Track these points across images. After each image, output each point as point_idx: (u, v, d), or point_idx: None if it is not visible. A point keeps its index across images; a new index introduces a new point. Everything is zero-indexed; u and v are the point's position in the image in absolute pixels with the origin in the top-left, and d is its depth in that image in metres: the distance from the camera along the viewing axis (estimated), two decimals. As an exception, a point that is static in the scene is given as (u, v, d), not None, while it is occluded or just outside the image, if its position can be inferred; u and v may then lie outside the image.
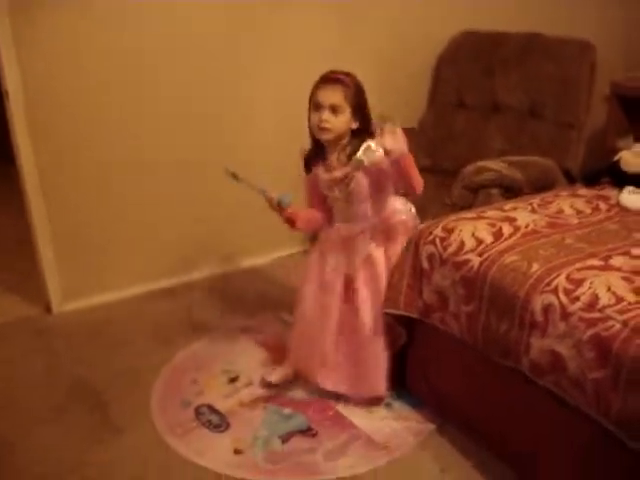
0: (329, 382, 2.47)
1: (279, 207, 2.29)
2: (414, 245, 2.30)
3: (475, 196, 2.86)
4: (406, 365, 2.47)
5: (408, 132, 3.13)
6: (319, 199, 2.46)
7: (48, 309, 3.25)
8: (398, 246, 2.38)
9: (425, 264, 2.25)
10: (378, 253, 2.39)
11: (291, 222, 2.32)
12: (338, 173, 2.30)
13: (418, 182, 2.24)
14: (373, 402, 2.45)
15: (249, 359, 2.79)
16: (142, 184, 3.29)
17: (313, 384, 2.52)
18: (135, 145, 3.21)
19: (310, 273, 2.51)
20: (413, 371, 2.46)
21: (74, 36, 2.95)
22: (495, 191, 2.83)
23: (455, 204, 2.89)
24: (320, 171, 2.36)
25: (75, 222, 3.19)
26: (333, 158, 2.32)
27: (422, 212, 2.63)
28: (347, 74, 2.24)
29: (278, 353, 2.75)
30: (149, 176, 3.29)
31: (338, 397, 2.48)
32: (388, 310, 2.33)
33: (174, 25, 3.14)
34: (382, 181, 2.31)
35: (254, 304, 3.25)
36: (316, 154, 2.35)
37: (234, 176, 2.26)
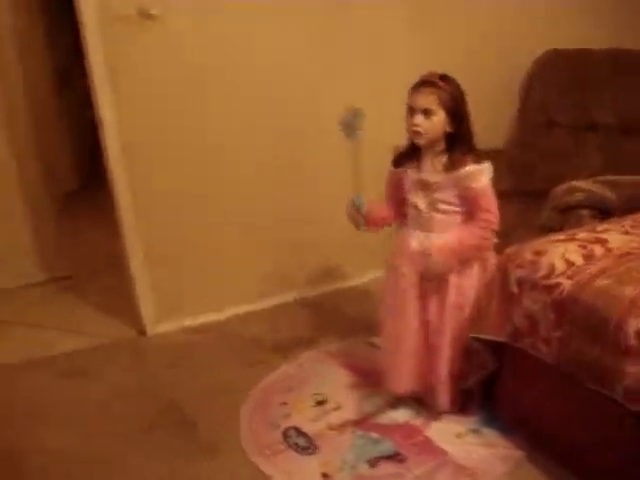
0: (401, 385, 2.46)
1: (354, 207, 2.32)
2: (503, 268, 2.26)
3: (565, 218, 2.79)
4: (495, 391, 2.43)
5: (494, 154, 3.13)
6: (396, 199, 2.44)
7: (141, 331, 3.37)
8: (473, 272, 2.34)
9: (514, 288, 2.21)
10: (453, 278, 2.33)
11: (366, 223, 2.35)
12: (429, 177, 2.29)
13: (492, 220, 2.25)
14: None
15: (338, 382, 2.79)
16: (236, 205, 3.36)
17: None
18: (229, 166, 3.30)
19: (386, 288, 2.49)
20: (502, 397, 2.41)
21: (163, 59, 3.08)
22: (586, 212, 2.76)
23: (544, 226, 2.83)
24: (410, 170, 2.35)
25: (169, 244, 3.29)
26: (427, 161, 2.31)
27: (507, 236, 2.59)
28: (443, 76, 2.23)
29: (368, 377, 2.74)
30: (243, 196, 3.37)
31: (426, 422, 2.46)
32: (475, 335, 2.30)
33: (258, 44, 3.23)
34: (467, 201, 2.29)
35: (346, 326, 3.25)
36: (410, 154, 2.35)
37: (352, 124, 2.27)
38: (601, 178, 2.94)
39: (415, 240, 2.35)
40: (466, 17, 3.58)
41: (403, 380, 2.44)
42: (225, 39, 3.16)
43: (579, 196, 2.78)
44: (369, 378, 2.72)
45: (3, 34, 3.83)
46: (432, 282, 2.34)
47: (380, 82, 3.42)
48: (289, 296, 3.57)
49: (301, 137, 3.40)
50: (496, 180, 3.46)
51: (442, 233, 2.31)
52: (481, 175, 2.24)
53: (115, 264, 3.49)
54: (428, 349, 2.39)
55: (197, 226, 3.33)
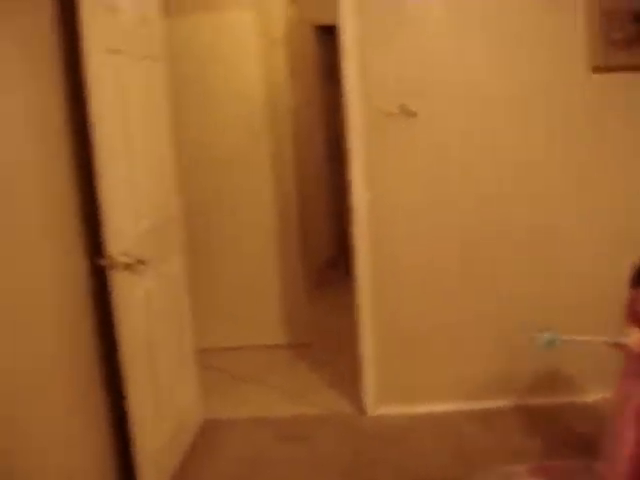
0: None
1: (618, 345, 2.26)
2: None
3: None
4: None
5: None
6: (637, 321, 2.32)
7: (362, 409, 3.49)
8: None
9: None
10: None
11: None
12: None
13: None
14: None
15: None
16: (466, 298, 3.41)
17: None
18: (477, 264, 3.40)
19: (613, 412, 2.34)
20: None
21: (415, 150, 3.30)
22: None
23: None
24: None
25: (402, 329, 3.43)
26: None
27: None
28: None
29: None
30: (489, 292, 3.41)
31: None
32: None
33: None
34: None
35: (564, 442, 3.09)
36: None
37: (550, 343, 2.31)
38: None
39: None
40: None
41: None
42: (473, 136, 3.29)
43: None
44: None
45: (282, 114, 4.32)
46: None
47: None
48: (508, 400, 3.46)
49: (554, 232, 3.37)
50: None
51: None
52: None
53: (354, 339, 3.67)
54: None
55: (428, 316, 3.42)
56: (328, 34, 5.15)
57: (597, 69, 3.20)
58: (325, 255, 6.11)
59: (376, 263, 3.37)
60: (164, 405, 2.94)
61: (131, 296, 2.64)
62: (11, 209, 2.12)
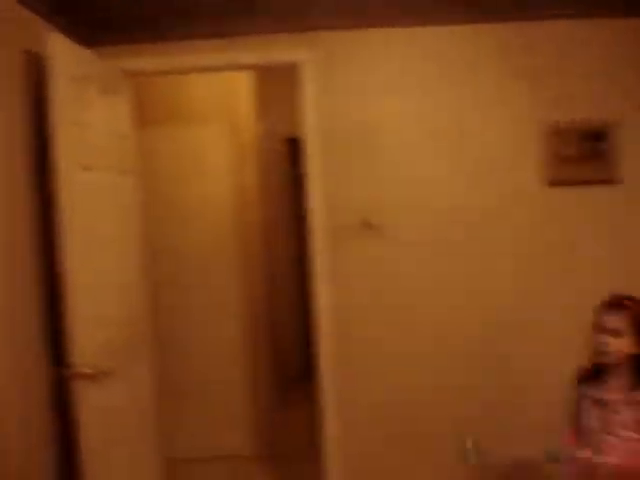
0: None
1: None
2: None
3: None
4: None
5: None
6: (577, 422, 2.36)
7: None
8: None
9: None
10: None
11: None
12: (609, 396, 2.26)
13: None
14: None
15: None
16: (434, 425, 3.41)
17: None
18: (424, 370, 3.41)
19: None
20: None
21: (376, 261, 3.38)
22: None
23: None
24: (591, 389, 2.32)
25: (366, 443, 3.40)
26: (610, 380, 2.28)
27: None
28: (633, 299, 2.28)
29: None
30: (437, 406, 3.41)
31: None
32: None
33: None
34: None
35: None
36: (594, 375, 2.34)
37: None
38: None
39: (585, 456, 2.27)
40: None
41: None
42: (433, 248, 3.40)
43: None
44: None
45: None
46: None
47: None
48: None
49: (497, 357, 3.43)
50: None
51: (614, 458, 2.21)
52: None
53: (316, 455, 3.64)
54: None
55: (400, 435, 3.41)
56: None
57: (552, 183, 3.38)
58: (294, 366, 6.09)
59: (342, 376, 3.39)
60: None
61: (92, 406, 2.63)
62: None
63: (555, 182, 3.37)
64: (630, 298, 2.29)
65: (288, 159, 5.92)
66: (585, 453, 2.29)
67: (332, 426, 3.39)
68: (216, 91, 4.26)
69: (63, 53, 2.62)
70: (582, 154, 3.37)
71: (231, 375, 4.33)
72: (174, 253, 4.26)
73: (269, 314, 4.60)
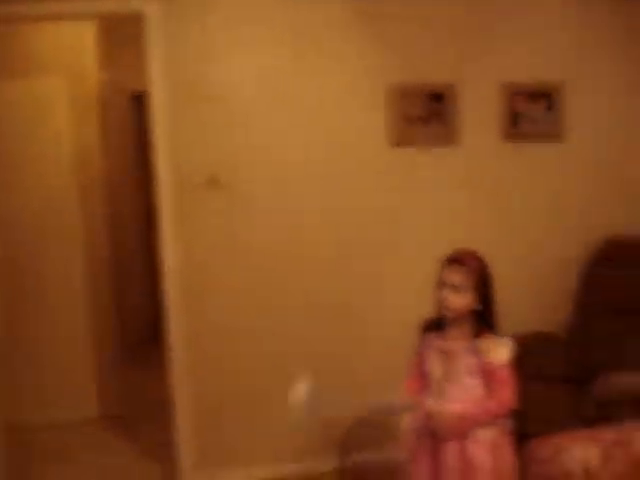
0: None
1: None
2: (524, 459, 2.22)
3: (604, 411, 2.72)
4: None
5: (548, 335, 3.09)
6: (421, 370, 2.43)
7: (176, 477, 3.42)
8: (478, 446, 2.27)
9: (532, 483, 2.16)
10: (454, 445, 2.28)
11: None
12: (450, 345, 2.32)
13: (505, 399, 2.22)
14: None
15: None
16: (278, 362, 3.44)
17: None
18: (274, 321, 3.44)
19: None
20: None
21: (227, 217, 3.36)
22: (626, 407, 2.68)
23: (583, 417, 2.76)
24: (434, 338, 2.38)
25: (215, 396, 3.40)
26: (451, 332, 2.34)
27: (550, 422, 2.56)
28: (473, 256, 2.33)
29: None
30: (285, 355, 3.45)
31: None
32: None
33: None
34: (486, 376, 2.28)
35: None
36: (436, 326, 2.39)
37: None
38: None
39: (428, 406, 2.33)
40: (523, 194, 3.68)
41: None
42: (280, 205, 3.42)
43: (620, 389, 2.72)
44: None
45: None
46: (440, 451, 2.30)
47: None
48: (330, 460, 3.52)
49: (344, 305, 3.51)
50: (547, 362, 3.47)
51: (456, 403, 2.28)
52: (501, 350, 2.25)
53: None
54: None
55: (249, 383, 3.43)
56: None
57: (397, 143, 3.48)
58: (143, 325, 5.99)
59: (190, 332, 3.36)
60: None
61: None
62: None
63: (401, 143, 3.47)
64: (471, 254, 2.33)
65: (134, 114, 5.74)
66: (428, 401, 2.34)
67: (182, 384, 3.36)
68: (58, 43, 4.07)
69: None
70: (426, 115, 3.51)
71: (75, 335, 4.23)
72: (11, 214, 4.07)
73: (116, 273, 4.46)
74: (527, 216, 3.69)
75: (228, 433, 3.44)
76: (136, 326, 5.82)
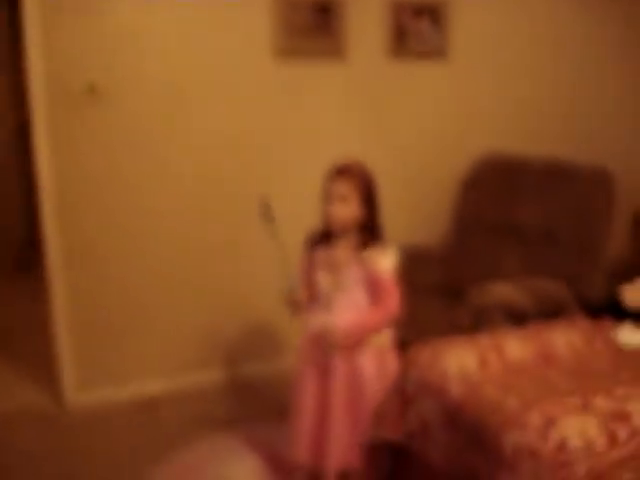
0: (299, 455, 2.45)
1: (291, 293, 2.38)
2: (404, 366, 2.30)
3: (478, 319, 2.86)
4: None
5: (426, 249, 3.15)
6: (309, 281, 2.46)
7: (59, 398, 3.34)
8: (365, 358, 2.36)
9: (411, 388, 2.24)
10: (341, 360, 2.35)
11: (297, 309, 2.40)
12: (336, 256, 2.36)
13: (391, 307, 2.30)
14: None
15: (246, 466, 2.76)
16: (162, 278, 3.41)
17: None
18: (157, 238, 3.38)
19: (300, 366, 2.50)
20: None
21: (105, 131, 3.20)
22: (499, 315, 2.82)
23: (457, 325, 2.89)
24: (320, 250, 2.41)
25: (95, 313, 3.32)
26: (337, 243, 2.37)
27: (428, 331, 2.66)
28: (359, 167, 2.35)
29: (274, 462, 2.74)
30: (169, 270, 3.42)
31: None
32: (373, 434, 2.31)
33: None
34: (371, 285, 2.34)
35: (265, 409, 3.23)
36: (323, 238, 2.41)
37: (267, 214, 2.39)
38: (520, 282, 3.03)
39: (317, 319, 2.39)
40: (410, 114, 3.72)
41: (301, 451, 2.44)
42: (167, 121, 3.31)
43: (494, 299, 2.86)
44: (275, 463, 2.72)
45: None
46: (329, 362, 2.35)
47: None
48: (212, 374, 3.55)
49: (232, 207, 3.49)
50: (425, 275, 3.61)
51: (344, 313, 2.34)
52: (384, 259, 2.31)
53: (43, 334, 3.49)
54: (324, 431, 2.38)
55: (123, 296, 3.37)
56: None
57: (280, 53, 3.39)
58: (20, 239, 5.71)
59: (69, 247, 3.23)
60: None
61: None
62: None
63: (285, 52, 3.39)
64: (356, 165, 2.34)
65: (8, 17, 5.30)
66: (316, 318, 2.39)
67: (61, 303, 3.25)
68: None
69: None
70: (312, 26, 3.43)
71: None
72: None
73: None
74: (413, 134, 3.75)
75: (113, 351, 3.39)
76: (13, 244, 5.55)
